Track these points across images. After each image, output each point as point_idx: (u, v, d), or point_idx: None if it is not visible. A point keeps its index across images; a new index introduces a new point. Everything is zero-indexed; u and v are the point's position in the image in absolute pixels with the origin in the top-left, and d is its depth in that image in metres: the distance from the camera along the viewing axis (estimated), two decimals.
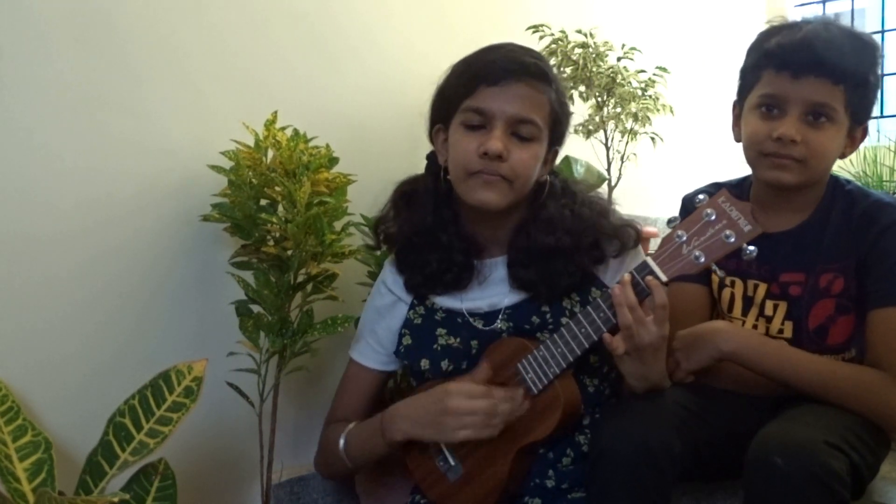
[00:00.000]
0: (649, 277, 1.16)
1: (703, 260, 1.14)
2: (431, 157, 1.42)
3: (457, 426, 1.23)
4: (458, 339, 1.36)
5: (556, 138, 1.36)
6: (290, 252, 1.41)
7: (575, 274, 1.32)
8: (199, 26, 1.52)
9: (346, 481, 1.60)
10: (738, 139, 1.40)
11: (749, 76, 1.37)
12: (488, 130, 1.28)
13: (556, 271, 1.32)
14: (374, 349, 1.46)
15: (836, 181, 1.39)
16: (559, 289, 1.33)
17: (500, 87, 1.27)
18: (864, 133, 1.37)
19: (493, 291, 1.37)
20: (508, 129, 1.28)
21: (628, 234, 1.35)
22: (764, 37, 1.35)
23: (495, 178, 1.27)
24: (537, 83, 1.29)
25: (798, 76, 1.27)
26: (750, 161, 1.37)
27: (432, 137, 1.40)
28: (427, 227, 1.37)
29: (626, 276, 1.17)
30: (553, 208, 1.34)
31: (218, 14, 1.55)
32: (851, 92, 1.28)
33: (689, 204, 1.28)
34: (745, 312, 1.41)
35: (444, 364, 1.36)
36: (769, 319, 1.38)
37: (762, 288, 1.38)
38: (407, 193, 1.41)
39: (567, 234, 1.31)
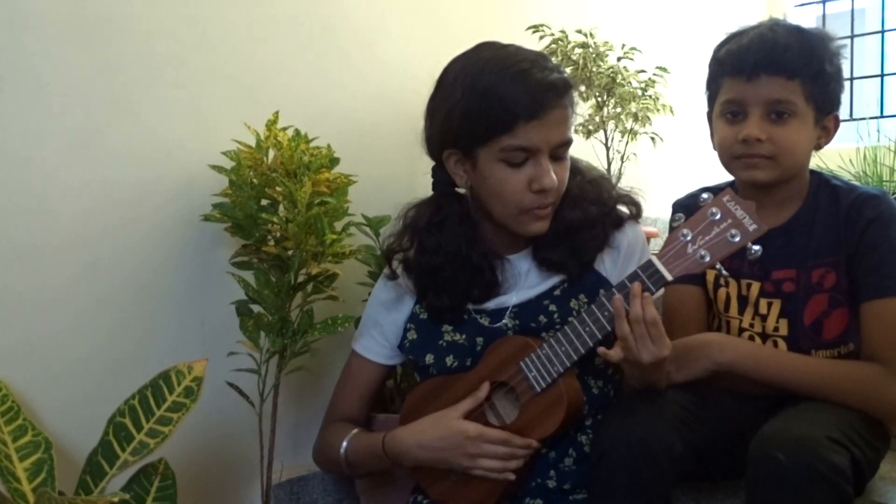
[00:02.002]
0: (646, 294, 1.16)
1: (708, 259, 1.14)
2: (440, 176, 1.38)
3: (472, 467, 1.26)
4: (463, 336, 1.37)
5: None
6: (290, 252, 1.41)
7: (599, 239, 1.34)
8: (199, 27, 1.52)
9: (347, 481, 1.60)
10: (715, 148, 1.42)
11: (711, 88, 1.40)
12: (534, 163, 1.25)
13: (582, 243, 1.33)
14: (378, 342, 1.46)
15: (820, 177, 1.40)
16: (586, 259, 1.34)
17: (541, 120, 1.23)
18: (836, 122, 1.38)
19: (504, 289, 1.37)
20: (551, 156, 1.27)
21: (636, 200, 1.39)
22: (717, 48, 1.39)
23: (548, 211, 1.29)
24: (568, 101, 1.27)
25: (751, 78, 1.30)
26: (725, 166, 1.39)
27: (441, 159, 1.33)
28: (462, 254, 1.35)
29: (637, 288, 1.16)
30: (575, 187, 1.35)
31: (218, 15, 1.55)
32: (809, 84, 1.30)
33: (680, 209, 1.29)
34: (741, 311, 1.41)
35: (449, 360, 1.36)
36: (764, 318, 1.38)
37: (755, 287, 1.38)
38: (432, 224, 1.37)
39: (592, 205, 1.34)
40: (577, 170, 1.39)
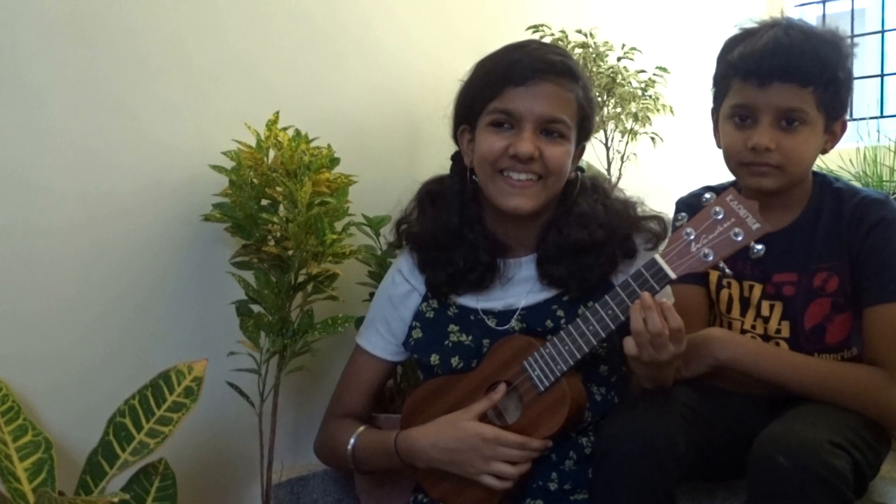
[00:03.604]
0: (664, 301, 1.16)
1: (711, 258, 1.14)
2: (456, 158, 1.41)
3: (486, 471, 1.24)
4: (469, 337, 1.36)
5: (584, 135, 1.36)
6: (290, 252, 1.41)
7: (605, 266, 1.32)
8: (201, 25, 1.52)
9: (347, 481, 1.60)
10: (719, 146, 1.40)
11: (720, 86, 1.38)
12: (517, 132, 1.27)
13: (587, 265, 1.31)
14: (384, 338, 1.45)
15: (823, 179, 1.39)
16: (590, 283, 1.32)
17: (527, 87, 1.26)
18: (844, 126, 1.37)
19: (514, 292, 1.37)
20: (537, 129, 1.28)
21: (658, 227, 1.35)
22: (729, 46, 1.36)
23: (527, 182, 1.28)
24: (564, 81, 1.29)
25: (764, 84, 1.28)
26: (731, 170, 1.38)
27: (457, 138, 1.39)
28: (453, 226, 1.36)
29: (648, 300, 1.15)
30: (586, 204, 1.34)
31: (220, 13, 1.55)
32: (822, 92, 1.28)
33: (683, 207, 1.28)
34: (743, 313, 1.41)
35: (455, 361, 1.36)
36: (766, 320, 1.38)
37: (757, 289, 1.38)
38: (433, 192, 1.41)
39: (600, 228, 1.32)
40: (597, 188, 1.38)
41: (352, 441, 1.39)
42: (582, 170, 1.41)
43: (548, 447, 1.25)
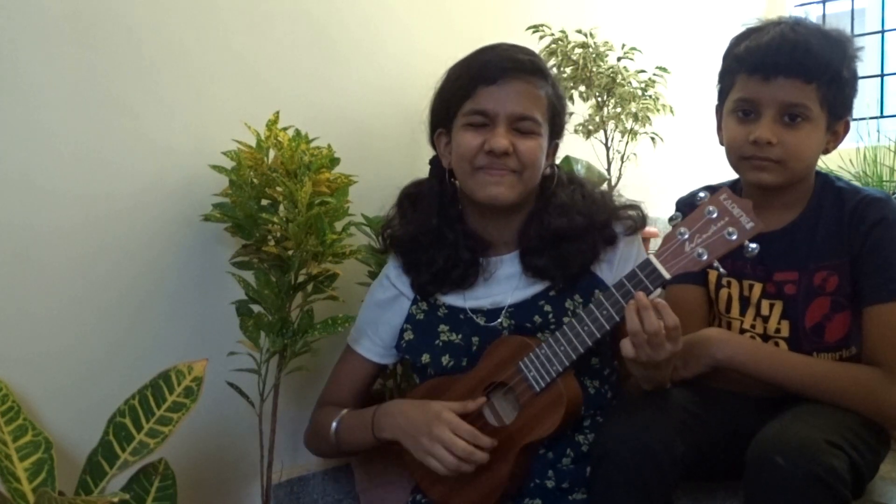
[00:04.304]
0: (659, 300, 1.16)
1: (705, 257, 1.14)
2: (434, 162, 1.44)
3: (429, 451, 1.25)
4: (459, 336, 1.37)
5: (556, 132, 1.39)
6: (290, 252, 1.41)
7: (586, 253, 1.35)
8: (201, 25, 1.52)
9: (347, 481, 1.60)
10: (722, 143, 1.40)
11: (724, 81, 1.38)
12: (491, 129, 1.30)
13: (569, 253, 1.34)
14: (371, 341, 1.48)
15: (825, 178, 1.39)
16: (572, 271, 1.34)
17: (498, 86, 1.30)
18: (847, 127, 1.37)
19: (499, 289, 1.39)
20: (510, 126, 1.30)
21: (637, 214, 1.39)
22: (735, 42, 1.36)
23: (503, 172, 1.30)
24: (534, 79, 1.32)
25: (769, 78, 1.28)
26: (732, 165, 1.38)
27: (434, 142, 1.42)
28: (433, 226, 1.39)
29: (644, 300, 1.14)
30: (564, 195, 1.37)
31: (220, 13, 1.55)
32: (825, 89, 1.28)
33: (683, 207, 1.29)
34: (742, 312, 1.41)
35: (445, 360, 1.37)
36: (766, 319, 1.38)
37: (757, 288, 1.38)
38: (412, 195, 1.44)
39: (579, 215, 1.35)
40: (573, 180, 1.42)
41: (334, 424, 1.42)
42: (558, 167, 1.43)
43: (494, 445, 1.24)
